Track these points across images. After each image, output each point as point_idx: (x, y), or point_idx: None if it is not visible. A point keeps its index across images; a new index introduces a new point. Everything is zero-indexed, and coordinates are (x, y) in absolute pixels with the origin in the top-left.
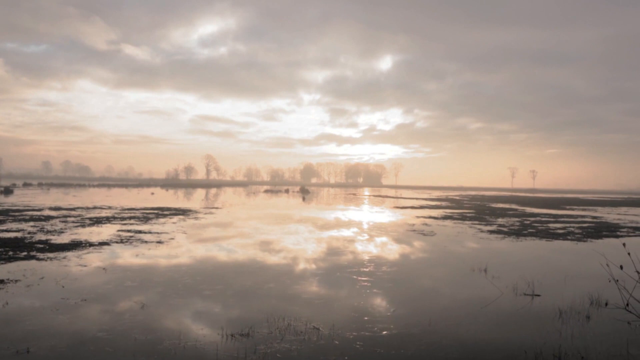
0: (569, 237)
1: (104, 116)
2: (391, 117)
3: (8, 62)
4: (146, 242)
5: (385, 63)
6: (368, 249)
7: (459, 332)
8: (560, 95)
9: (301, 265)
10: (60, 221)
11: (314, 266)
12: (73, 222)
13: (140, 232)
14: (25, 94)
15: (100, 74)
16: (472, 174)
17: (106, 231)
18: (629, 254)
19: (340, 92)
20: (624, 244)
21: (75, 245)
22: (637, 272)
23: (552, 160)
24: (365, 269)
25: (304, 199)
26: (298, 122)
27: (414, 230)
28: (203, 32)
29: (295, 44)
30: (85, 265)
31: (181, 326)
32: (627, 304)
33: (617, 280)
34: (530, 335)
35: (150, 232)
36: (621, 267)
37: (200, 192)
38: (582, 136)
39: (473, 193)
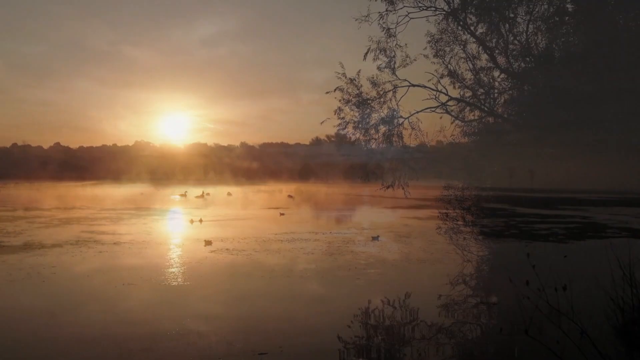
0: (550, 239)
1: (103, 117)
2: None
3: (7, 63)
4: (102, 244)
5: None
6: (329, 253)
7: None
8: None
9: (239, 276)
10: (26, 222)
11: (252, 273)
12: (40, 222)
13: (102, 233)
14: (25, 94)
15: (99, 74)
16: None
17: (67, 232)
18: (533, 266)
19: None
20: (527, 255)
21: (22, 248)
22: (539, 289)
23: (551, 160)
24: (301, 278)
25: (291, 197)
26: (297, 123)
27: (391, 231)
28: (203, 33)
29: (295, 44)
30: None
31: (74, 341)
32: (527, 330)
33: (529, 297)
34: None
35: (113, 234)
36: (527, 283)
37: (192, 192)
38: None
39: (468, 193)
